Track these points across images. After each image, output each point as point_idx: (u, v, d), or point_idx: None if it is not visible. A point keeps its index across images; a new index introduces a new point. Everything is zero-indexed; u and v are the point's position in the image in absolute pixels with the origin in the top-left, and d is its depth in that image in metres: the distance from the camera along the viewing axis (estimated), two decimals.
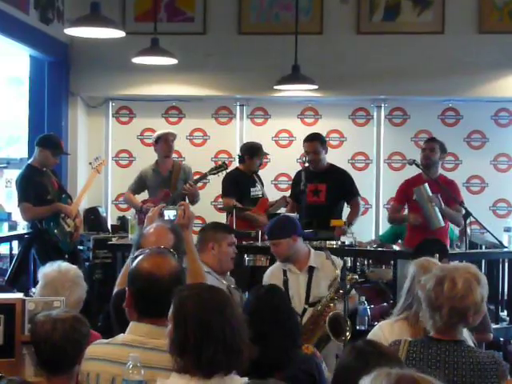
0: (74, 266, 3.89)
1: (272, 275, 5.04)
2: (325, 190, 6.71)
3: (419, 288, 3.07)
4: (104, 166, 7.57)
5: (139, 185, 7.47)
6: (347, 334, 4.22)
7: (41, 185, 6.63)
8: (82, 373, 2.77)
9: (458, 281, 2.87)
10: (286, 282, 4.92)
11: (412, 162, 6.53)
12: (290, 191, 7.29)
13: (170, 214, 3.80)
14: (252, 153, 7.20)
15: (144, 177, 7.43)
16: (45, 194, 6.62)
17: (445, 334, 2.91)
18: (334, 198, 6.72)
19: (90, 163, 7.38)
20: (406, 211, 6.79)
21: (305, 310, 4.78)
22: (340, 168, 7.01)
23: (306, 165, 6.64)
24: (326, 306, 4.56)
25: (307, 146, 6.78)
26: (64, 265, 3.85)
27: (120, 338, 2.76)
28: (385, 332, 3.52)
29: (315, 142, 6.79)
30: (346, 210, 6.99)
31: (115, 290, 3.57)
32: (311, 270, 4.95)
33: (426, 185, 6.34)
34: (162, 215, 3.79)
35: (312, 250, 5.08)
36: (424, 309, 2.98)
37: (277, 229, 5.06)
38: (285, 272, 4.98)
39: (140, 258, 2.85)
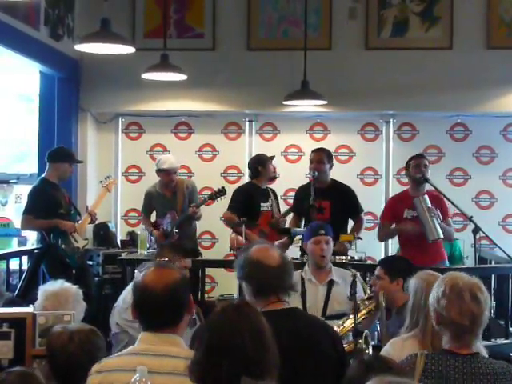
0: (75, 286, 3.95)
1: None
2: (329, 207, 6.66)
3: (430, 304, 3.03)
4: (115, 184, 7.62)
5: (148, 206, 7.62)
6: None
7: (54, 198, 6.68)
8: None
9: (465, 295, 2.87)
10: (303, 294, 4.95)
11: (422, 179, 6.43)
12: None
13: None
14: (260, 163, 7.19)
15: (149, 198, 7.57)
16: (58, 208, 6.68)
17: (460, 348, 2.91)
18: (338, 215, 6.66)
19: (101, 181, 7.42)
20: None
21: None
22: (343, 184, 6.93)
23: (313, 174, 6.65)
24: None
25: (313, 155, 6.78)
26: (66, 283, 3.92)
27: (131, 348, 2.77)
28: (396, 349, 3.51)
29: (321, 152, 6.79)
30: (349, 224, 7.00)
31: None
32: (331, 283, 4.98)
33: (426, 196, 6.30)
34: None
35: (332, 266, 5.16)
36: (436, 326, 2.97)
37: (329, 229, 5.21)
38: (303, 283, 5.00)
39: (144, 271, 2.89)
